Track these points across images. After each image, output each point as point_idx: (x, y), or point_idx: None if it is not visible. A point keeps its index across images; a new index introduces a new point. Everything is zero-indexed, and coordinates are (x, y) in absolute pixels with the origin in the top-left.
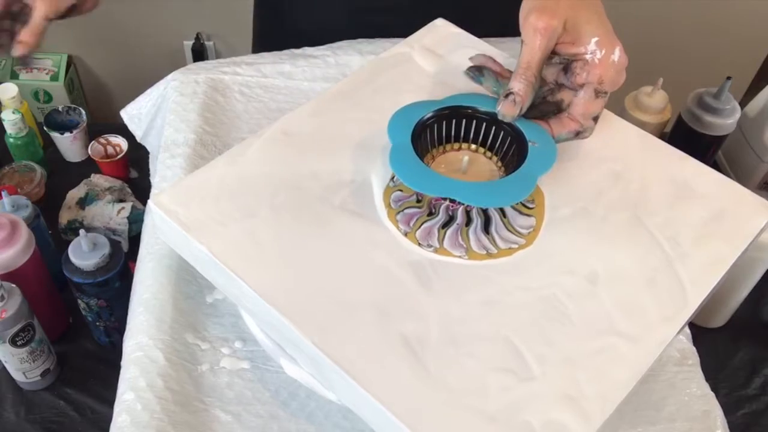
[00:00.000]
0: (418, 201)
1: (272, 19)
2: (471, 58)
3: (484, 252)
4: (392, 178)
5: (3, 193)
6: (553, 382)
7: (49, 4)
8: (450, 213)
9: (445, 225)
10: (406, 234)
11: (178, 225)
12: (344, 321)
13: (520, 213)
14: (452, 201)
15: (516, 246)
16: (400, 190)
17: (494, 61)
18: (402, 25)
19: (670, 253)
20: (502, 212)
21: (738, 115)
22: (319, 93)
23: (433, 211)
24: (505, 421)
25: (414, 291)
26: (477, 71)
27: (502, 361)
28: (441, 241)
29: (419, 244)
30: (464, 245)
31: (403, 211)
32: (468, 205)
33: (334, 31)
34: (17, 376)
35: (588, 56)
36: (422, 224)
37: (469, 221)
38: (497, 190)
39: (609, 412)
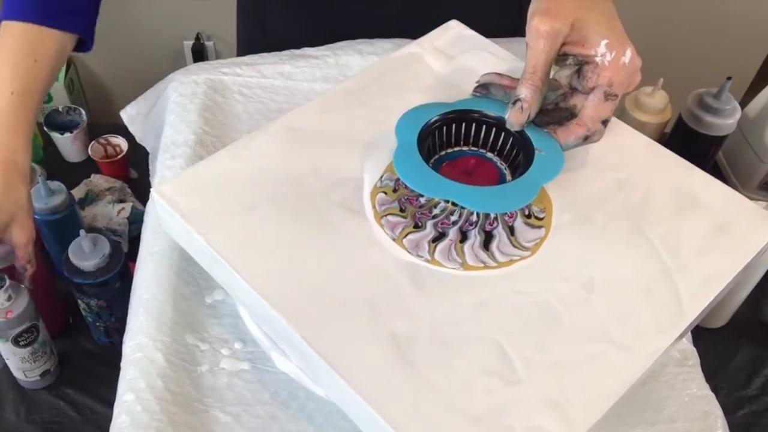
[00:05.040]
0: (402, 210)
1: (254, 30)
2: (477, 80)
3: (481, 265)
4: (380, 178)
5: (39, 178)
6: (539, 387)
7: (27, 232)
8: (440, 230)
9: (436, 240)
10: (393, 240)
11: (179, 215)
12: (335, 317)
13: (532, 227)
14: (445, 220)
15: (517, 258)
16: (384, 193)
17: (501, 75)
18: (385, 37)
19: (669, 264)
20: (510, 230)
21: (738, 115)
22: (319, 93)
23: (419, 224)
24: (488, 423)
25: (407, 291)
26: (483, 89)
27: (490, 364)
28: (432, 253)
29: (409, 252)
30: (459, 260)
31: (386, 216)
32: (464, 225)
33: (316, 41)
34: (17, 374)
35: (598, 59)
36: (408, 234)
37: (464, 238)
38: (498, 195)
39: (594, 420)
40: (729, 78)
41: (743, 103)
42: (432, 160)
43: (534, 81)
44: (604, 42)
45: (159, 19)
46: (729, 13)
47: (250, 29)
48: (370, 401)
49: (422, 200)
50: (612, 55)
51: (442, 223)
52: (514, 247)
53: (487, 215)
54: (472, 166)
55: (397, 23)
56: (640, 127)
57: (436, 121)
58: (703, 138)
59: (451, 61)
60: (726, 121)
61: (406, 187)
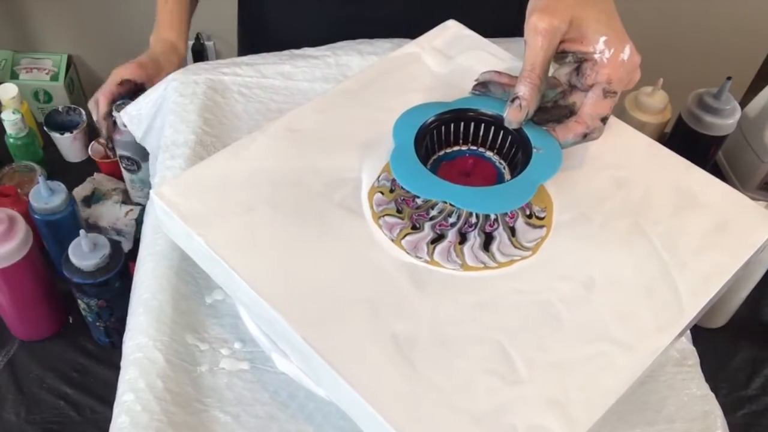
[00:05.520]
0: (399, 211)
1: (254, 29)
2: (476, 78)
3: (481, 265)
4: (377, 178)
5: (39, 178)
6: (540, 387)
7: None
8: (438, 231)
9: (434, 242)
10: (392, 240)
11: (178, 216)
12: (336, 317)
13: (533, 226)
14: (443, 222)
15: (518, 258)
16: (381, 193)
17: (500, 73)
18: (384, 37)
19: (669, 262)
20: (512, 231)
21: (738, 115)
22: (319, 93)
23: (417, 226)
24: (489, 423)
25: (407, 291)
26: (482, 87)
27: (491, 364)
28: (431, 255)
29: (408, 253)
30: (458, 261)
31: (383, 217)
32: (464, 227)
33: (316, 42)
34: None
35: (597, 56)
36: (406, 235)
37: (463, 240)
38: (494, 195)
39: (595, 419)
40: (729, 78)
41: (743, 103)
42: (430, 161)
43: (532, 79)
44: (602, 39)
45: None
46: (729, 13)
47: (251, 29)
48: (372, 401)
49: (419, 201)
50: (611, 52)
51: (440, 225)
52: (515, 247)
53: (487, 216)
54: (470, 166)
55: (397, 23)
56: (640, 127)
57: (433, 121)
58: (703, 138)
59: (450, 61)
60: (726, 121)
61: (402, 187)
